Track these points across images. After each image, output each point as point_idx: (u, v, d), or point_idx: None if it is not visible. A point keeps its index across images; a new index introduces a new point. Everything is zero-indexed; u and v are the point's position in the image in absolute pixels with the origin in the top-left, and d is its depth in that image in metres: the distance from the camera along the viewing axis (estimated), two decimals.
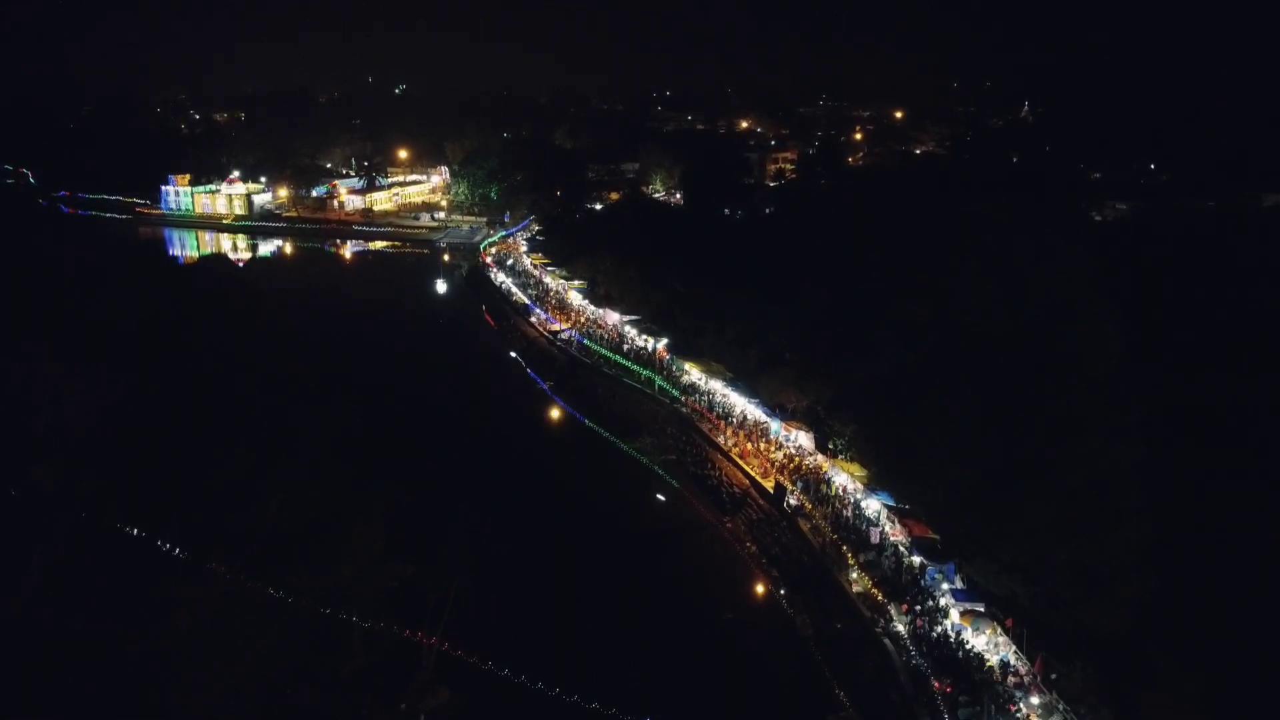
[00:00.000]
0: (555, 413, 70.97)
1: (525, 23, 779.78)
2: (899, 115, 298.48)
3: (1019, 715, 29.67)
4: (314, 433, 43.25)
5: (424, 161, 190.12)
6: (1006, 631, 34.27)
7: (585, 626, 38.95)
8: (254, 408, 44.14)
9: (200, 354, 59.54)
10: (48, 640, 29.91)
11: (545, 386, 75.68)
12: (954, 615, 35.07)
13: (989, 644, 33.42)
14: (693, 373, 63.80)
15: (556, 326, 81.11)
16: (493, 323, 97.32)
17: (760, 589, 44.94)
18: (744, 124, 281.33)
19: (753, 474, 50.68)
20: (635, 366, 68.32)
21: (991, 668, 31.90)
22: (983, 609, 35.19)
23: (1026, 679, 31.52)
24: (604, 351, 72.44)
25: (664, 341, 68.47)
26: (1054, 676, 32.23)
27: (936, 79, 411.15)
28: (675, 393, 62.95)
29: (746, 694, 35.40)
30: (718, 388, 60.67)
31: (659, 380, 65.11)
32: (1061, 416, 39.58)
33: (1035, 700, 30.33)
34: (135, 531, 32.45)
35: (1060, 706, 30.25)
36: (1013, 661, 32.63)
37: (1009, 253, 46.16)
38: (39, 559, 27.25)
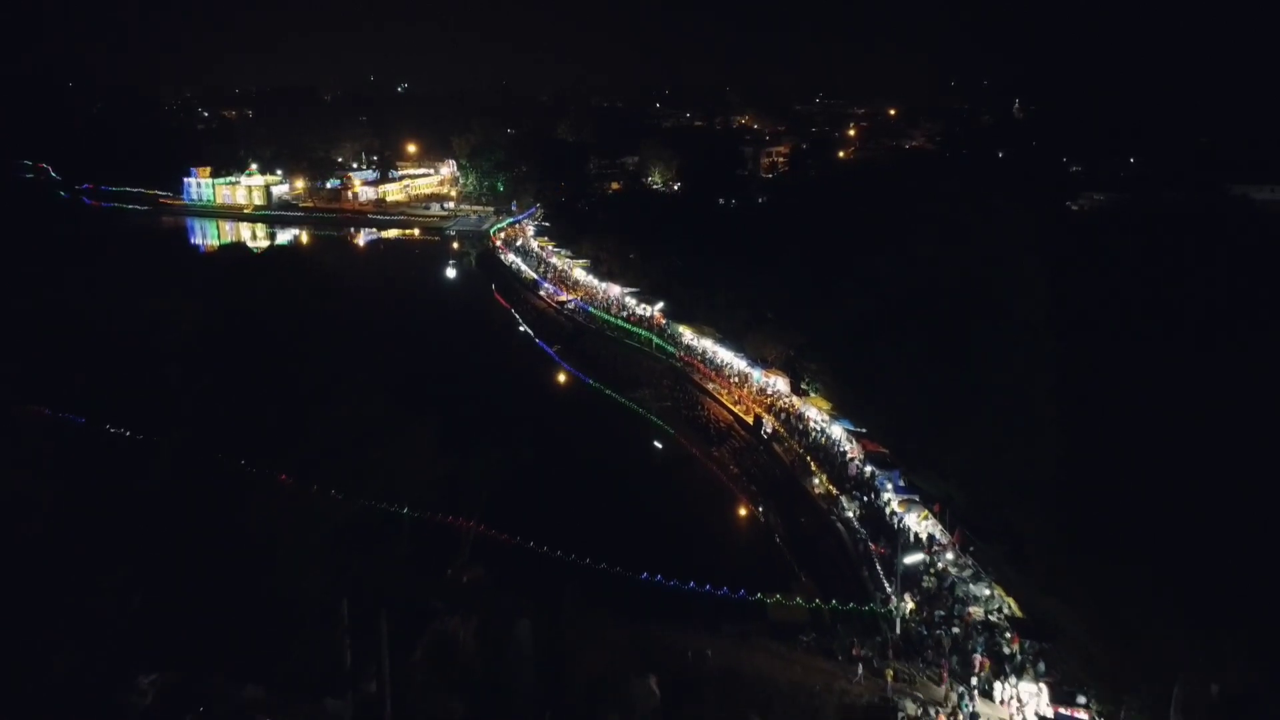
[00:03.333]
0: (562, 375, 78.87)
1: (525, 22, 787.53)
2: (893, 113, 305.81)
3: (936, 567, 37.66)
4: (365, 371, 51.46)
5: (431, 155, 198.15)
6: (933, 514, 42.24)
7: (595, 522, 46.83)
8: (309, 350, 52.26)
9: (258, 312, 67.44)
10: (172, 506, 37.89)
11: (552, 351, 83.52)
12: (893, 504, 43.05)
13: (918, 521, 41.40)
14: (686, 334, 71.81)
15: (564, 297, 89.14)
16: (503, 301, 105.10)
17: (741, 500, 52.96)
18: (741, 121, 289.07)
19: (736, 411, 58.71)
20: (635, 329, 76.31)
21: (918, 536, 39.88)
22: (916, 499, 43.18)
23: (946, 545, 39.50)
24: (607, 317, 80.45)
25: (659, 306, 76.52)
26: (971, 549, 40.19)
27: (935, 77, 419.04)
28: (670, 349, 70.98)
29: (726, 572, 43.24)
30: (708, 345, 68.69)
31: (656, 340, 73.13)
32: (994, 349, 47.79)
33: (950, 556, 38.39)
34: (235, 427, 40.19)
35: (970, 563, 38.23)
36: (936, 535, 40.62)
37: (958, 215, 54.51)
38: (176, 436, 35.27)
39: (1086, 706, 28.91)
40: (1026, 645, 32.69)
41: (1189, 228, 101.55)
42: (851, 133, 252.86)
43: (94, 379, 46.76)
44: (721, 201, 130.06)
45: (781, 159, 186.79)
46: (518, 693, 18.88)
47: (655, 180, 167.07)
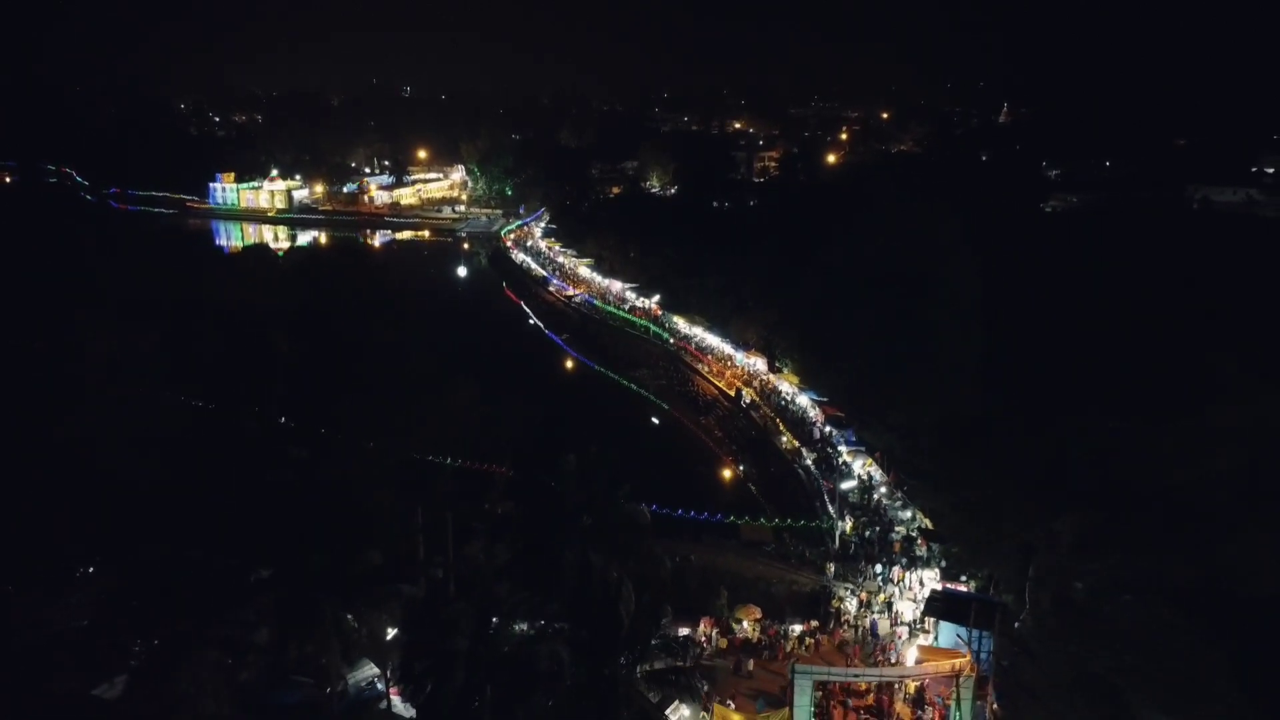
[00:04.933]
0: (570, 361, 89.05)
1: (525, 24, 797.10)
2: (885, 116, 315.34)
3: (872, 497, 47.95)
4: (408, 348, 61.66)
5: (440, 160, 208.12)
6: (875, 461, 52.44)
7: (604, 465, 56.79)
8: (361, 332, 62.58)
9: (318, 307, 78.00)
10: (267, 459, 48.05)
11: (561, 340, 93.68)
12: (844, 454, 53.26)
13: (861, 466, 51.64)
14: (679, 323, 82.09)
15: (571, 292, 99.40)
16: (513, 297, 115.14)
17: (723, 458, 63.20)
18: (737, 124, 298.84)
19: (721, 385, 69.02)
20: (635, 319, 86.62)
21: (860, 476, 50.18)
22: (863, 449, 53.42)
23: (880, 481, 49.79)
24: (610, 308, 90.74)
25: (656, 298, 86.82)
26: (905, 488, 50.38)
27: (932, 79, 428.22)
28: (665, 336, 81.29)
29: (709, 508, 53.37)
30: (698, 332, 78.98)
31: (653, 328, 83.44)
32: (924, 325, 58.21)
33: (883, 489, 48.64)
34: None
35: (899, 495, 48.47)
36: (876, 476, 50.85)
37: (902, 212, 64.98)
38: (278, 386, 45.63)
39: (966, 581, 39.10)
40: (933, 547, 42.91)
41: (1141, 227, 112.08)
42: (844, 136, 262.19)
43: (188, 361, 57.06)
44: (715, 204, 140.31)
45: (773, 163, 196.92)
46: (565, 501, 28.90)
47: (654, 184, 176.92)
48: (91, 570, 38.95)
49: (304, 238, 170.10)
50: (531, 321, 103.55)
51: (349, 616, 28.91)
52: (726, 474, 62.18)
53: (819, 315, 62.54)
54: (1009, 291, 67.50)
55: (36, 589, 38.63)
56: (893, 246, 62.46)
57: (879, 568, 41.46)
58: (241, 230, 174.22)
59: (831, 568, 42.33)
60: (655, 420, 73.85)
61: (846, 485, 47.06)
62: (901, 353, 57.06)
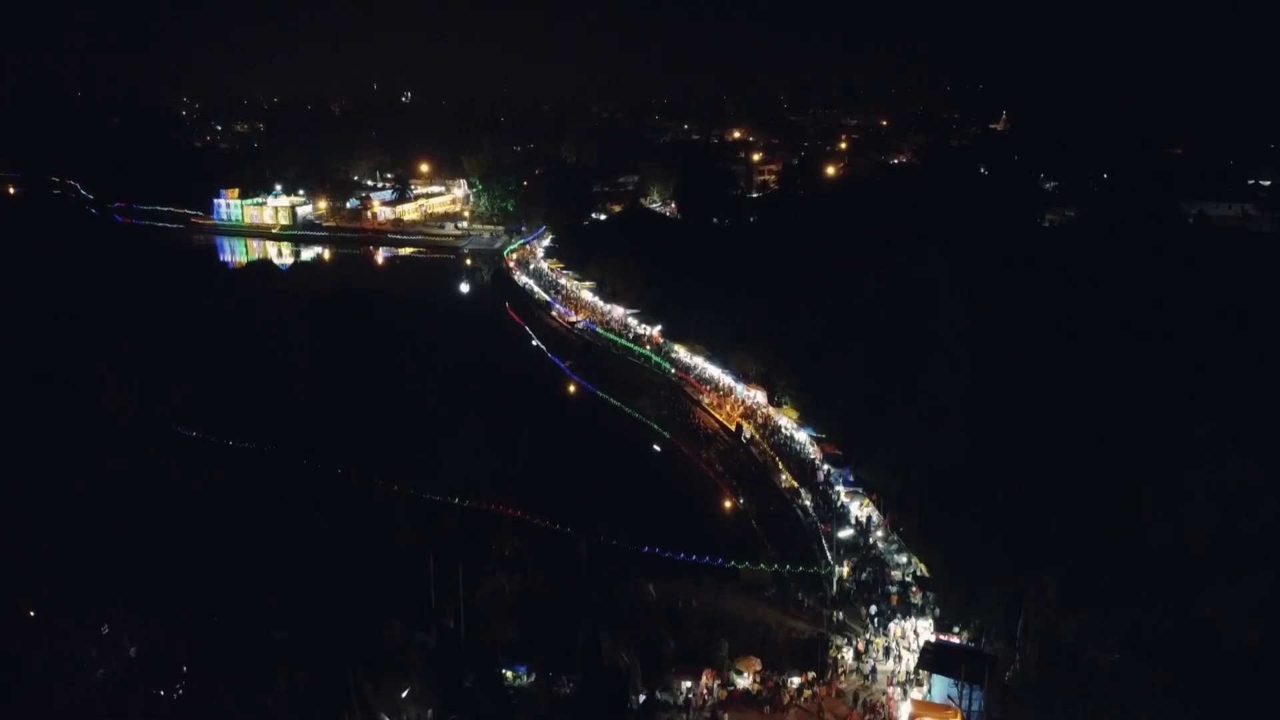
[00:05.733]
0: (573, 386, 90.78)
1: (525, 27, 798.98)
2: (884, 123, 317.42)
3: (869, 541, 49.61)
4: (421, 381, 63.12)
5: (443, 173, 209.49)
6: (872, 502, 54.09)
7: (607, 507, 58.39)
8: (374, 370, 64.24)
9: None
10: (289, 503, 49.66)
11: (564, 366, 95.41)
12: (842, 495, 54.95)
13: (859, 507, 53.32)
14: (680, 352, 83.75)
15: (574, 318, 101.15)
16: (516, 317, 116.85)
17: (724, 492, 64.89)
18: (736, 134, 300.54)
19: (720, 419, 70.73)
20: (636, 348, 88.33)
21: (858, 518, 51.85)
22: (860, 490, 55.06)
23: (878, 524, 51.45)
24: (612, 336, 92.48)
25: (658, 327, 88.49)
26: (901, 529, 52.02)
27: (931, 83, 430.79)
28: (667, 365, 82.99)
29: (713, 545, 54.88)
30: (699, 362, 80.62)
31: (655, 357, 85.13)
32: (921, 358, 59.55)
33: (880, 533, 50.32)
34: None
35: (895, 538, 50.13)
36: (873, 518, 52.53)
37: (891, 255, 66.30)
38: (298, 432, 47.40)
39: (959, 633, 40.77)
40: (928, 595, 44.58)
41: (1135, 246, 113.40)
42: (843, 145, 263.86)
43: (211, 408, 58.66)
44: (715, 220, 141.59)
45: (772, 176, 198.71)
46: (576, 581, 30.64)
47: (654, 199, 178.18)
48: (118, 622, 40.59)
49: (308, 254, 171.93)
50: (534, 343, 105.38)
51: (369, 685, 30.56)
52: (727, 504, 63.90)
53: (816, 346, 63.95)
54: (1003, 323, 68.96)
55: (70, 637, 40.42)
56: (889, 278, 63.88)
57: (874, 609, 43.11)
58: (246, 246, 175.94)
59: (838, 615, 43.88)
60: (657, 448, 75.58)
61: (844, 534, 48.73)
62: (895, 388, 58.39)
